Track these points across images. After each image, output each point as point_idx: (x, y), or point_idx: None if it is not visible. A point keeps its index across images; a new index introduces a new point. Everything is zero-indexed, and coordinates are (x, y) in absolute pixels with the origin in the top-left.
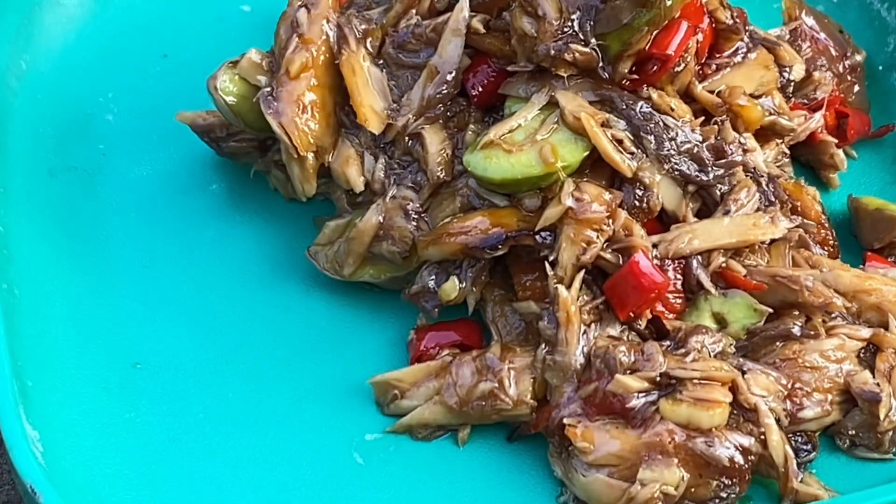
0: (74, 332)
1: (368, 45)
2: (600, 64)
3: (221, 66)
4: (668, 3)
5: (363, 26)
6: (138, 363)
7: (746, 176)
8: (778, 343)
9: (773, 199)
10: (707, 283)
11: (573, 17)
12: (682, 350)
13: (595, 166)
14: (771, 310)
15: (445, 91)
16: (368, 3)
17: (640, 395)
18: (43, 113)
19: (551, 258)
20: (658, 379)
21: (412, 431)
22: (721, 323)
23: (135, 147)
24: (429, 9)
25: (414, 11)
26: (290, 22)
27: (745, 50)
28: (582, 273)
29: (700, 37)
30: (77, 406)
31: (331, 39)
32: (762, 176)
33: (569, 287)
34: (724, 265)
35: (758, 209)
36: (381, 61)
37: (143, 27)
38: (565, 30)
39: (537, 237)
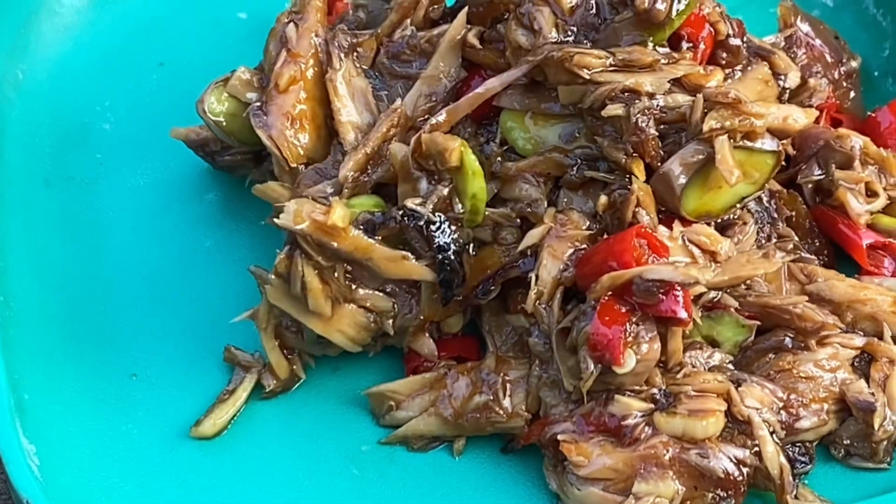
0: (71, 344)
1: (355, 58)
2: None
3: (208, 86)
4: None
5: (352, 40)
6: (135, 374)
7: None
8: (771, 355)
9: (774, 215)
10: (698, 321)
11: (569, 32)
12: (678, 366)
13: (586, 185)
14: (758, 322)
15: (439, 105)
16: (358, 20)
17: (639, 413)
18: (39, 122)
19: (532, 274)
20: (657, 397)
21: (408, 442)
22: (713, 345)
23: (132, 156)
24: (423, 18)
25: (409, 21)
26: (279, 37)
27: (744, 62)
28: (561, 290)
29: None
30: (74, 418)
31: (320, 53)
32: (763, 192)
33: (549, 303)
34: (716, 300)
35: (757, 234)
36: (376, 72)
37: (140, 36)
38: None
39: (521, 264)
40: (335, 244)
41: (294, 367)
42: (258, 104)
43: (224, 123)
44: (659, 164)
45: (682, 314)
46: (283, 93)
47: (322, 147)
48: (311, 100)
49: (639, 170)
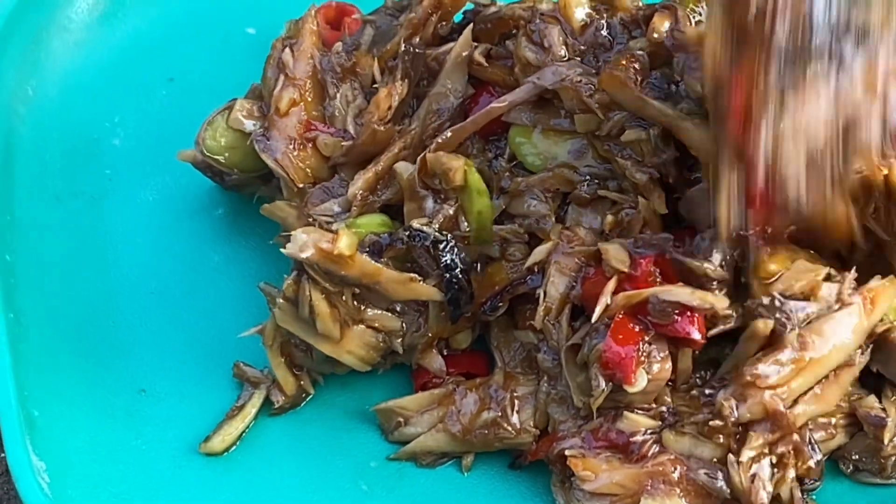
0: (81, 360)
1: (353, 80)
2: None
3: (202, 126)
4: None
5: (347, 63)
6: (144, 390)
7: None
8: None
9: None
10: None
11: (578, 51)
12: (686, 385)
13: (595, 202)
14: None
15: (447, 122)
16: (356, 42)
17: (647, 430)
18: (49, 138)
19: (540, 290)
20: (665, 415)
21: (416, 458)
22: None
23: (141, 172)
24: (432, 35)
25: (418, 38)
26: (276, 63)
27: None
28: (569, 306)
29: None
30: (83, 434)
31: (318, 74)
32: None
33: (558, 319)
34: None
35: None
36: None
37: (149, 51)
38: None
39: (529, 280)
40: (342, 272)
41: (302, 382)
42: (261, 130)
43: (224, 158)
44: (686, 185)
45: (696, 335)
46: (285, 116)
47: (328, 166)
48: (313, 120)
49: (660, 200)
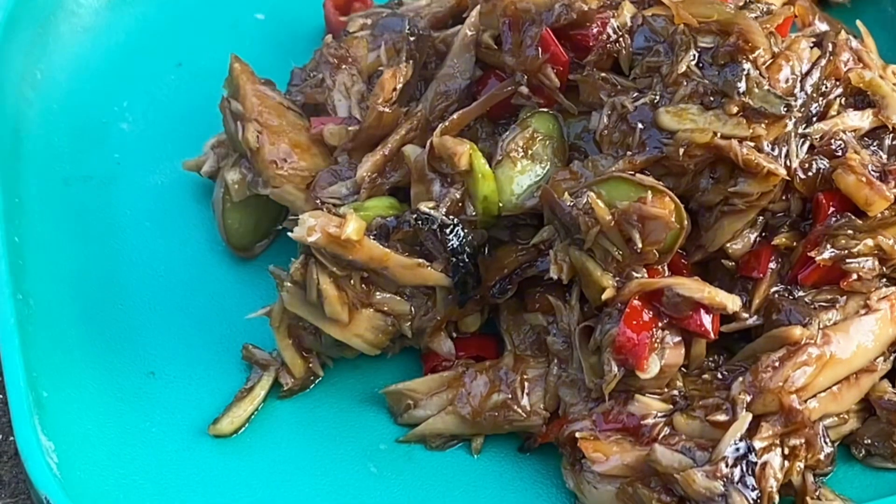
0: (89, 342)
1: (350, 64)
2: None
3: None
4: None
5: (339, 52)
6: (153, 372)
7: None
8: None
9: None
10: None
11: None
12: (698, 370)
13: None
14: None
15: (454, 104)
16: (306, 73)
17: (658, 413)
18: (58, 122)
19: (549, 274)
20: (677, 398)
21: (425, 441)
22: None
23: (149, 156)
24: (440, 17)
25: (423, 21)
26: (228, 115)
27: None
28: (579, 289)
29: None
30: (92, 416)
31: (269, 96)
32: None
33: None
34: None
35: None
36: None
37: (158, 36)
38: None
39: (538, 263)
40: (350, 256)
41: (311, 365)
42: (251, 177)
43: (262, 233)
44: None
45: (710, 331)
46: (260, 150)
47: (324, 157)
48: (284, 134)
49: None
